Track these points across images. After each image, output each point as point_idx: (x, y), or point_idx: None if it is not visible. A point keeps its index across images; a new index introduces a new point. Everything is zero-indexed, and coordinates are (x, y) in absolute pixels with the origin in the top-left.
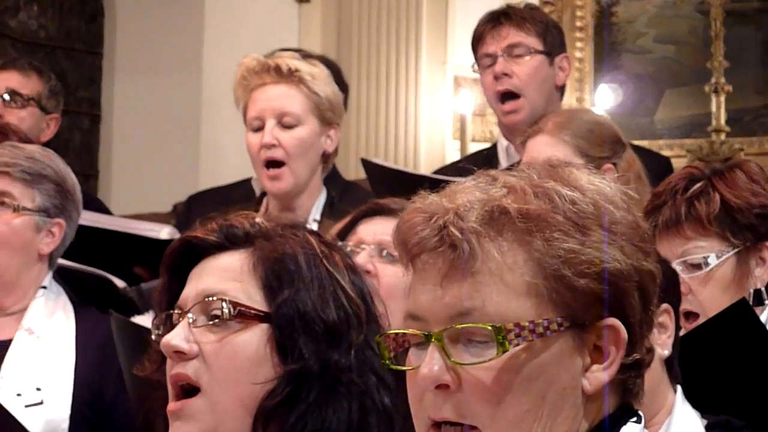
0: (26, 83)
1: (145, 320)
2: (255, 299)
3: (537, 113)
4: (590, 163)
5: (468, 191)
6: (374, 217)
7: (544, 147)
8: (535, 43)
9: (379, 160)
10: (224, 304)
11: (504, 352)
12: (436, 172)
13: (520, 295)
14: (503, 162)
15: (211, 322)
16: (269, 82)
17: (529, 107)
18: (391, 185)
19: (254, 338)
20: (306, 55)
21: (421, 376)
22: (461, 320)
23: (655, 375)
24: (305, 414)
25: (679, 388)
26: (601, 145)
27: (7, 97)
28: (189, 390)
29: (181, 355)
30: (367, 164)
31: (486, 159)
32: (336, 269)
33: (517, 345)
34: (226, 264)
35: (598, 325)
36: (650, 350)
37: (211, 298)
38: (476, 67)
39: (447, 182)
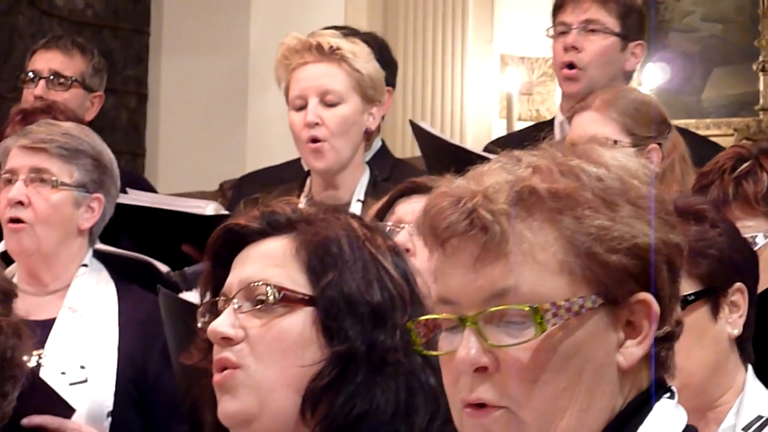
0: (69, 64)
1: (192, 296)
2: (299, 283)
3: (595, 90)
4: (636, 142)
5: (494, 173)
6: (411, 196)
7: (591, 124)
8: (612, 23)
9: (426, 125)
10: (269, 288)
11: (542, 332)
12: (493, 143)
13: (554, 274)
14: (557, 136)
15: (256, 307)
16: (311, 61)
17: (586, 81)
18: (437, 151)
19: (299, 321)
20: (350, 32)
21: (459, 360)
22: (496, 302)
23: (721, 353)
24: (353, 395)
25: (750, 367)
26: (648, 124)
27: (51, 77)
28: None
29: (228, 341)
30: (415, 127)
31: (542, 132)
32: (378, 251)
33: (554, 324)
34: (269, 250)
35: (630, 301)
36: (679, 322)
37: (255, 284)
38: (551, 32)
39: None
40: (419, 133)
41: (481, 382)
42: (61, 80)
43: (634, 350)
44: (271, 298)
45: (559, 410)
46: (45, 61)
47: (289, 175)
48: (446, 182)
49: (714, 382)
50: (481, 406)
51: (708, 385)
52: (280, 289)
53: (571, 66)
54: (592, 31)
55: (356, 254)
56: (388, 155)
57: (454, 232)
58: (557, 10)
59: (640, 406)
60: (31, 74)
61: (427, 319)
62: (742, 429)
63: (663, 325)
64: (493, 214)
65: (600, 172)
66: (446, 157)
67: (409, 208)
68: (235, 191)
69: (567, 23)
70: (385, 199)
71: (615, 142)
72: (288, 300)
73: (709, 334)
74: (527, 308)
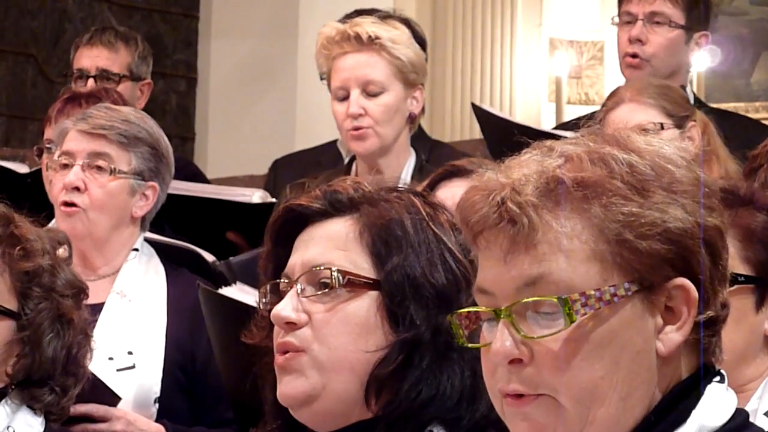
0: (115, 59)
1: (232, 292)
2: (362, 267)
3: (658, 76)
4: (676, 122)
5: (524, 164)
6: (452, 179)
7: (632, 114)
8: (678, 16)
9: (488, 107)
10: (333, 272)
11: (571, 323)
12: (556, 128)
13: (585, 262)
14: None
15: (320, 292)
16: (350, 51)
17: (649, 70)
18: (500, 133)
19: (364, 306)
20: (385, 16)
21: (494, 352)
22: (528, 291)
23: (752, 344)
24: (419, 381)
25: None
26: (681, 104)
27: (99, 75)
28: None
29: (291, 326)
30: (477, 109)
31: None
32: (442, 230)
33: (584, 315)
34: (332, 232)
35: (666, 286)
36: (725, 305)
37: (318, 268)
38: (616, 20)
39: (558, 137)
40: (482, 115)
41: (517, 374)
42: (110, 77)
43: (673, 336)
44: (335, 282)
45: (597, 398)
46: (91, 59)
47: (326, 159)
48: (478, 176)
49: (738, 369)
50: (519, 396)
51: (730, 371)
52: (344, 273)
53: (634, 56)
54: (658, 23)
55: (420, 236)
56: (425, 137)
57: (485, 226)
58: None
59: (685, 392)
60: (77, 72)
61: (468, 312)
62: (764, 414)
63: (706, 309)
64: (520, 206)
65: (632, 158)
66: (510, 138)
67: (450, 192)
68: (271, 175)
69: (633, 14)
70: (425, 183)
71: (661, 125)
72: (352, 284)
73: (747, 322)
74: (555, 299)
